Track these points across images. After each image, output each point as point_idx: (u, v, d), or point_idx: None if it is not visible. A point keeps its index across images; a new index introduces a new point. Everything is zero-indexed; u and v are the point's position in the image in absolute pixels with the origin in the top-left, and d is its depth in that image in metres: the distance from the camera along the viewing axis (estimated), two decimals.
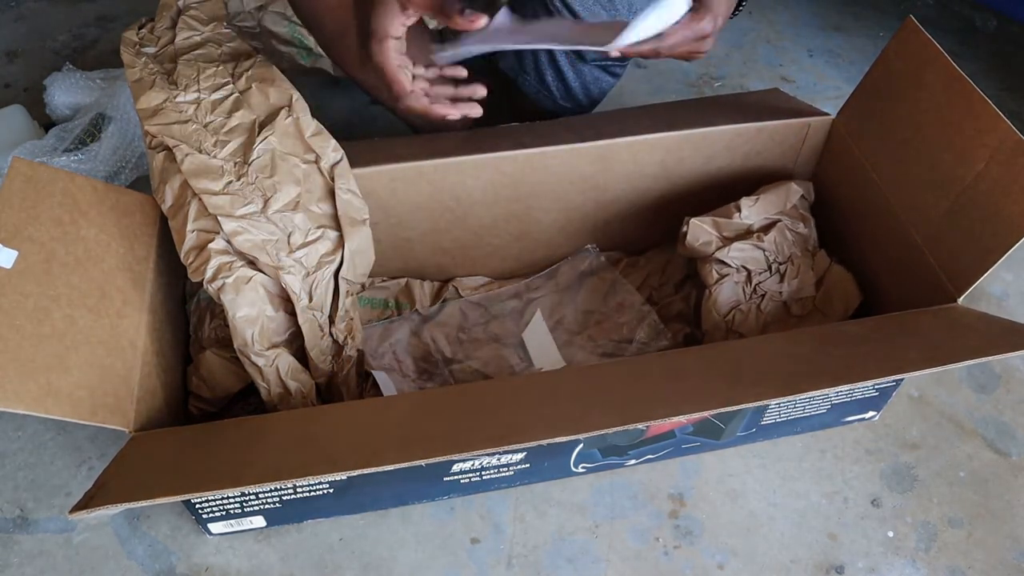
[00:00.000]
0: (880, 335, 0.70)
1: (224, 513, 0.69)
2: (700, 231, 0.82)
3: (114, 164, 0.99)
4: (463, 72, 0.63)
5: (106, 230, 0.69)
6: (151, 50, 0.79)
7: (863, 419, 0.81)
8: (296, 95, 0.76)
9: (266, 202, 0.71)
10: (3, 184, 0.63)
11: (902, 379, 0.75)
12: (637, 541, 0.74)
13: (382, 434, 0.62)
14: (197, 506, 0.67)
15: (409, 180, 0.80)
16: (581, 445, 0.71)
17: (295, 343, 0.72)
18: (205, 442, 0.64)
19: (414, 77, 0.61)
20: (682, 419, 0.70)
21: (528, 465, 0.71)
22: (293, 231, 0.71)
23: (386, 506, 0.74)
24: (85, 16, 1.34)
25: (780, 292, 0.82)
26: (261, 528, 0.72)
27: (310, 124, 0.75)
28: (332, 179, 0.74)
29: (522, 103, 1.02)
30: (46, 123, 1.08)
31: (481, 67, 0.68)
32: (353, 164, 0.76)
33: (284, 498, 0.68)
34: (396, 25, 0.57)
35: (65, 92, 1.06)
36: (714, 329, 0.81)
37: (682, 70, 1.25)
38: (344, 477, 0.65)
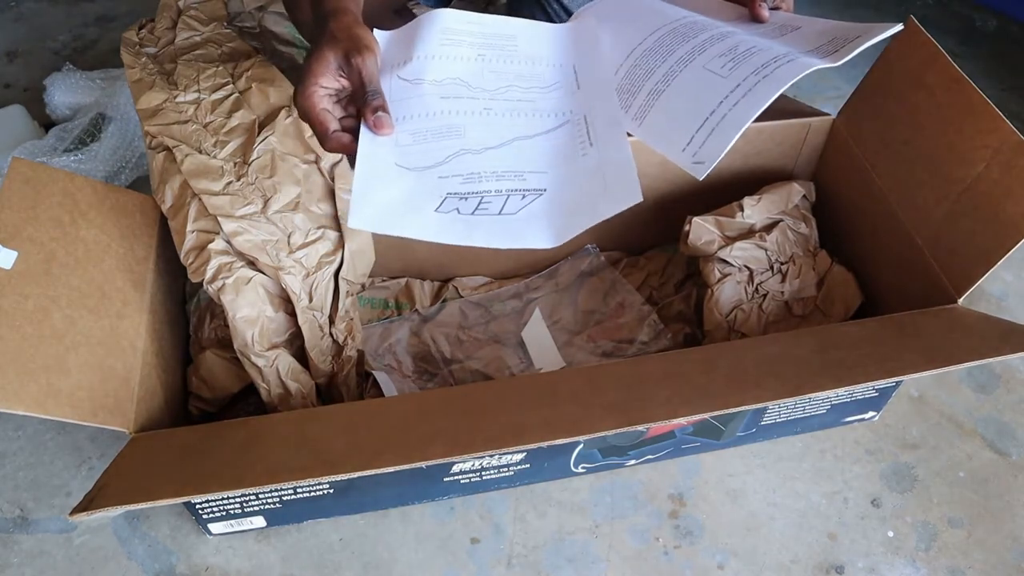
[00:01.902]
0: (880, 336, 0.70)
1: (224, 513, 0.69)
2: (702, 230, 0.82)
3: (114, 164, 0.99)
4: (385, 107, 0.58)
5: (106, 230, 0.69)
6: (151, 50, 0.79)
7: (863, 419, 0.81)
8: None
9: (266, 202, 0.71)
10: (3, 184, 0.63)
11: (902, 380, 0.74)
12: (637, 541, 0.74)
13: (382, 435, 0.62)
14: (197, 506, 0.67)
15: None
16: (581, 446, 0.71)
17: (295, 343, 0.72)
18: (205, 443, 0.64)
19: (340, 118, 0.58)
20: (682, 420, 0.69)
21: (528, 465, 0.71)
22: (293, 231, 0.71)
23: (386, 506, 0.74)
24: (85, 16, 1.34)
25: (782, 292, 0.82)
26: (261, 528, 0.72)
27: None
28: (332, 179, 0.74)
29: None
30: (46, 123, 1.08)
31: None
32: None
33: (284, 498, 0.68)
34: (328, 78, 0.56)
35: (65, 92, 1.06)
36: (716, 328, 0.81)
37: None
38: (344, 478, 0.65)
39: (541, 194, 0.59)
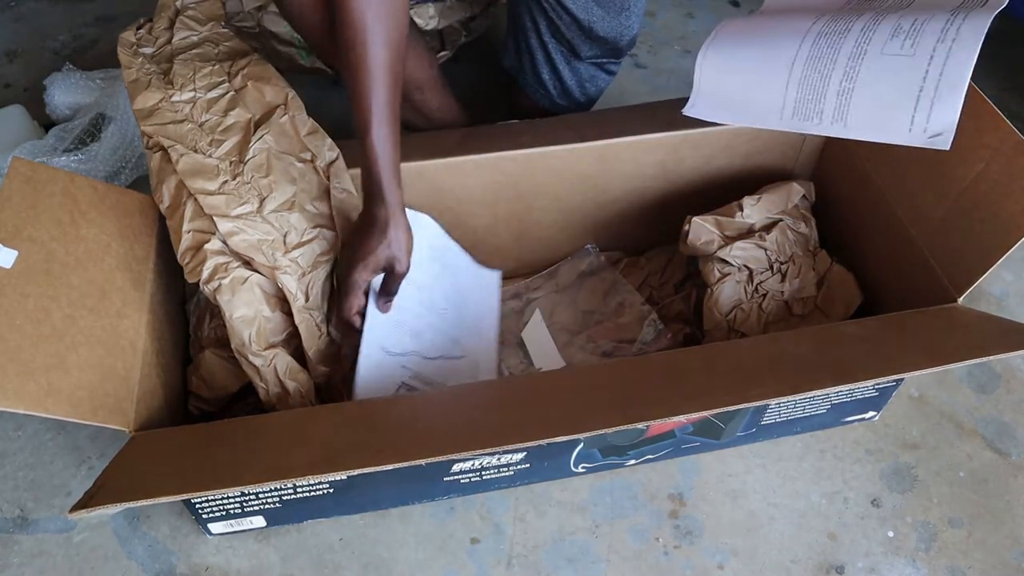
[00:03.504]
0: (880, 335, 0.70)
1: (224, 513, 0.69)
2: (702, 230, 0.82)
3: (114, 164, 0.99)
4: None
5: (106, 230, 0.69)
6: (148, 50, 0.79)
7: (863, 419, 0.81)
8: (292, 93, 0.76)
9: (262, 202, 0.70)
10: (3, 184, 0.63)
11: (902, 379, 0.74)
12: (637, 541, 0.74)
13: (382, 434, 0.62)
14: (197, 506, 0.67)
15: (409, 180, 0.79)
16: (581, 445, 0.71)
17: (293, 343, 0.72)
18: (205, 442, 0.64)
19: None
20: (682, 419, 0.69)
21: (528, 465, 0.71)
22: (289, 231, 0.71)
23: (386, 506, 0.74)
24: (85, 16, 1.34)
25: (781, 291, 0.82)
26: (261, 528, 0.72)
27: (305, 122, 0.75)
28: (328, 178, 0.74)
29: (520, 100, 1.03)
30: (46, 123, 1.08)
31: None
32: (352, 164, 0.76)
33: (284, 498, 0.68)
34: (372, 273, 0.69)
35: (65, 92, 1.06)
36: (715, 328, 0.81)
37: (683, 70, 1.25)
38: (344, 477, 0.65)
39: None
